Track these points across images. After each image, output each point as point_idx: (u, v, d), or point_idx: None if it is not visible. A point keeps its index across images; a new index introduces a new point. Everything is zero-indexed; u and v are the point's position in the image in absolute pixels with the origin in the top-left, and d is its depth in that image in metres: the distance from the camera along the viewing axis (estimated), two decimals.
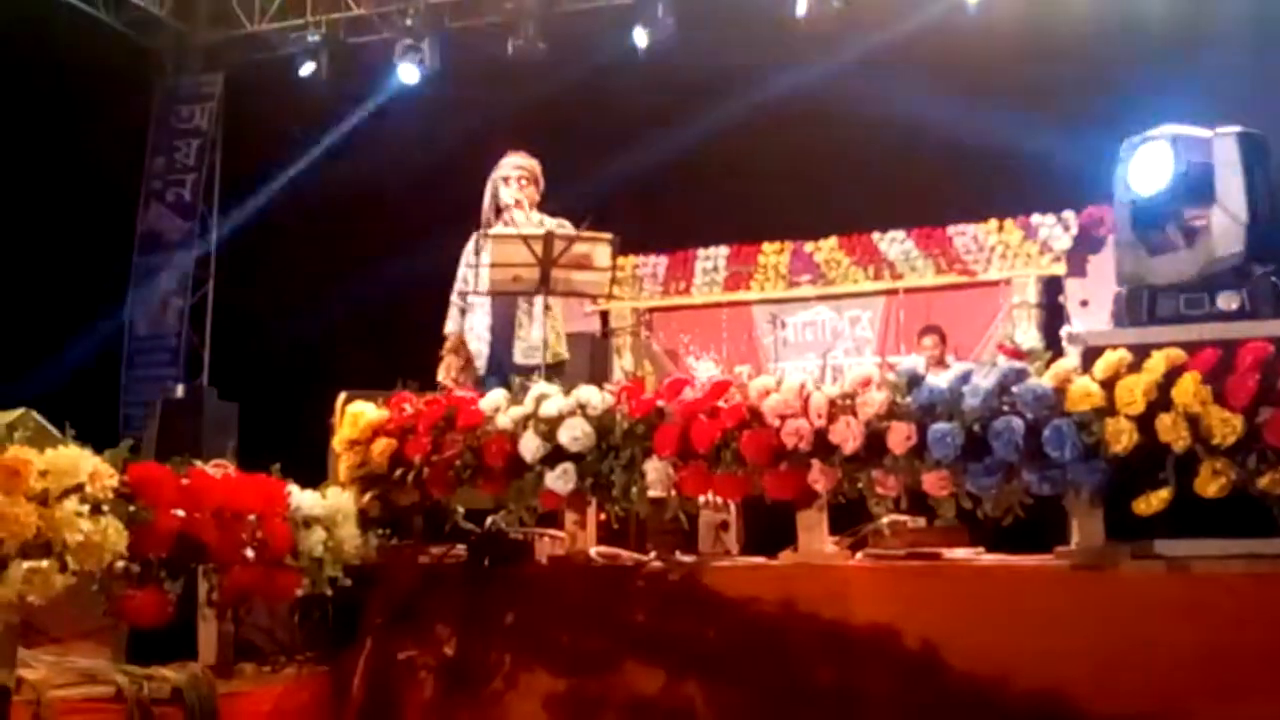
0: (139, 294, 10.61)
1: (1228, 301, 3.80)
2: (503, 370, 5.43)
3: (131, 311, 10.55)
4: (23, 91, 8.57)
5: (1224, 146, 3.88)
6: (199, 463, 3.70)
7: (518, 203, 5.60)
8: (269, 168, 10.00)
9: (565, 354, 5.72)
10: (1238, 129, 3.88)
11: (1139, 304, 3.92)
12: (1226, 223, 3.82)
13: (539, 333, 5.44)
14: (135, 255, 10.70)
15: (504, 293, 5.39)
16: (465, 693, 4.07)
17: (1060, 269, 9.05)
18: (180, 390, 5.41)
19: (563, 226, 5.54)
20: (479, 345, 5.60)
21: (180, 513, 3.42)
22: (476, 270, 5.44)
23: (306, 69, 9.87)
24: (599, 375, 8.68)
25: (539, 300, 5.40)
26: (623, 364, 9.60)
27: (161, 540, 3.33)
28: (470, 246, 5.66)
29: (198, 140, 10.91)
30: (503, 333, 5.57)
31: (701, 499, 4.20)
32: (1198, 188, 3.91)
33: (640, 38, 9.02)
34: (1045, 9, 8.14)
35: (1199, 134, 3.94)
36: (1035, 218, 9.12)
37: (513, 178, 5.64)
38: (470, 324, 5.66)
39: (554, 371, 5.32)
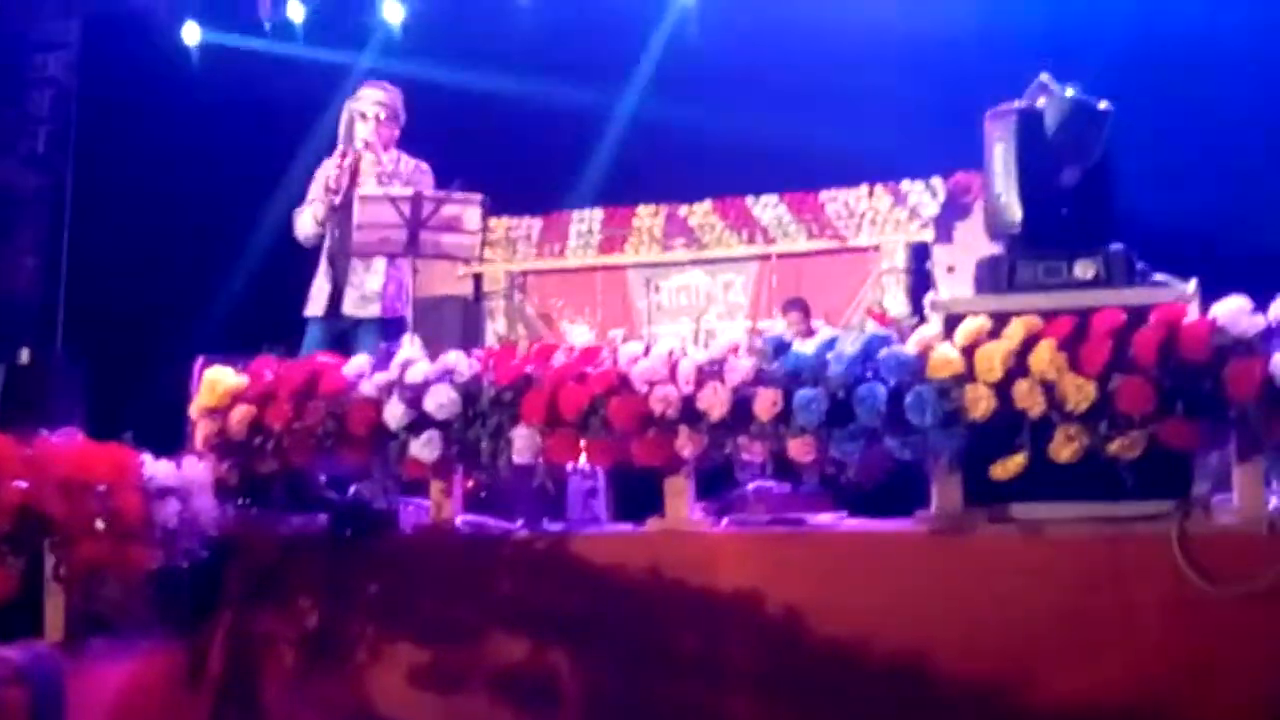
0: None
1: (1084, 270, 3.88)
2: (332, 317, 5.26)
3: None
4: None
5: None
6: (45, 431, 3.55)
7: (368, 145, 5.32)
8: (128, 121, 9.61)
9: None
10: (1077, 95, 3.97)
11: (999, 271, 3.99)
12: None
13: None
14: None
15: (371, 254, 5.26)
16: (328, 665, 4.00)
17: (928, 235, 9.17)
18: (26, 354, 5.15)
19: (421, 170, 5.40)
20: (319, 279, 5.35)
21: (24, 484, 3.28)
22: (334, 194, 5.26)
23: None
24: (471, 339, 8.59)
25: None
26: (496, 328, 9.48)
27: (4, 513, 3.19)
28: (319, 172, 5.42)
29: (51, 90, 10.45)
30: (340, 274, 5.32)
31: (570, 466, 4.17)
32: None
33: None
34: None
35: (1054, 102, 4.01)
36: (905, 184, 9.22)
37: (370, 114, 5.37)
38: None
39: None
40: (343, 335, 5.23)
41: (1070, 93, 3.96)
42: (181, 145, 8.66)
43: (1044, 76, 4.01)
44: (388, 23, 9.12)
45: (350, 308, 5.26)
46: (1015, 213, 3.93)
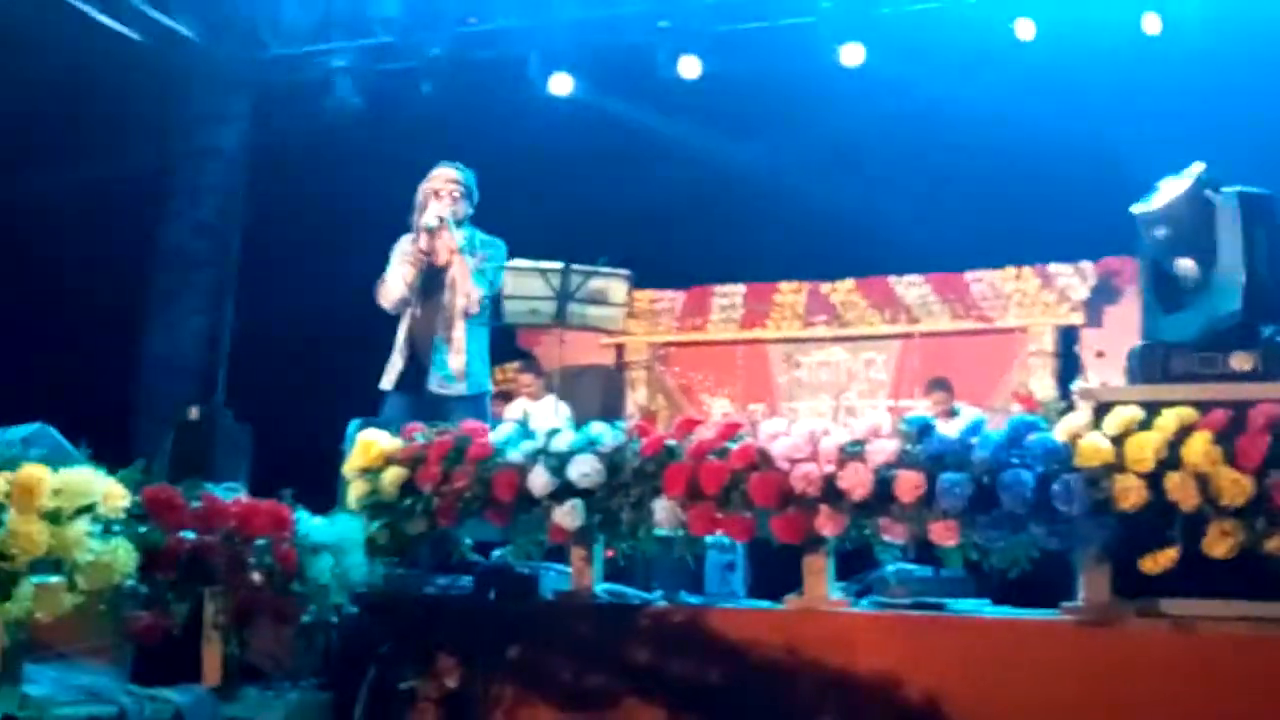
0: (156, 312, 10.66)
1: (1240, 362, 3.81)
2: (415, 393, 5.23)
3: (149, 330, 10.60)
4: (42, 106, 8.64)
5: (1224, 206, 3.90)
6: (210, 485, 3.73)
7: (440, 220, 5.28)
8: (294, 191, 10.05)
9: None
10: (1238, 188, 3.91)
11: (1153, 360, 3.93)
12: (1225, 282, 3.84)
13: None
14: (155, 273, 10.75)
15: (521, 325, 5.40)
16: None
17: (1077, 319, 9.03)
18: (195, 411, 5.42)
19: (492, 244, 5.42)
20: (395, 356, 5.33)
21: (190, 535, 3.45)
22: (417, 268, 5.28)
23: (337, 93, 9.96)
24: (612, 408, 8.71)
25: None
26: (636, 398, 9.60)
27: (171, 562, 3.36)
28: (397, 247, 5.45)
29: (222, 160, 10.99)
30: (421, 353, 5.29)
31: (709, 539, 4.20)
32: (1204, 247, 3.94)
33: (687, 68, 8.95)
34: (1072, 59, 8.16)
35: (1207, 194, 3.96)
36: (1053, 266, 9.11)
37: (444, 191, 5.39)
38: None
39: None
40: (424, 411, 5.09)
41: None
42: (345, 215, 9.01)
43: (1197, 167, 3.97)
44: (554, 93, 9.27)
45: (435, 386, 5.24)
46: None
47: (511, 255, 5.59)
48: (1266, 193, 3.98)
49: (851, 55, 8.49)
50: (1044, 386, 8.66)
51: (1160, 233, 4.00)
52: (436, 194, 5.39)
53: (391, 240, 5.52)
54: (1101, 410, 3.71)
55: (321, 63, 10.36)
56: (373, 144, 9.67)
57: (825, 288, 9.58)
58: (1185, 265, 3.94)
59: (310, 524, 3.95)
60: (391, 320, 5.41)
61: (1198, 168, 3.98)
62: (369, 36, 10.18)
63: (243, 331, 10.27)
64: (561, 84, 9.05)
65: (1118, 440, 3.58)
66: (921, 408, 7.84)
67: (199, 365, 10.48)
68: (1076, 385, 3.97)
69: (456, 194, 5.42)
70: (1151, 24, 7.94)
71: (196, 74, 11.01)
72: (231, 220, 10.97)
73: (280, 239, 9.89)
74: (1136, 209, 4.10)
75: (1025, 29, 8.25)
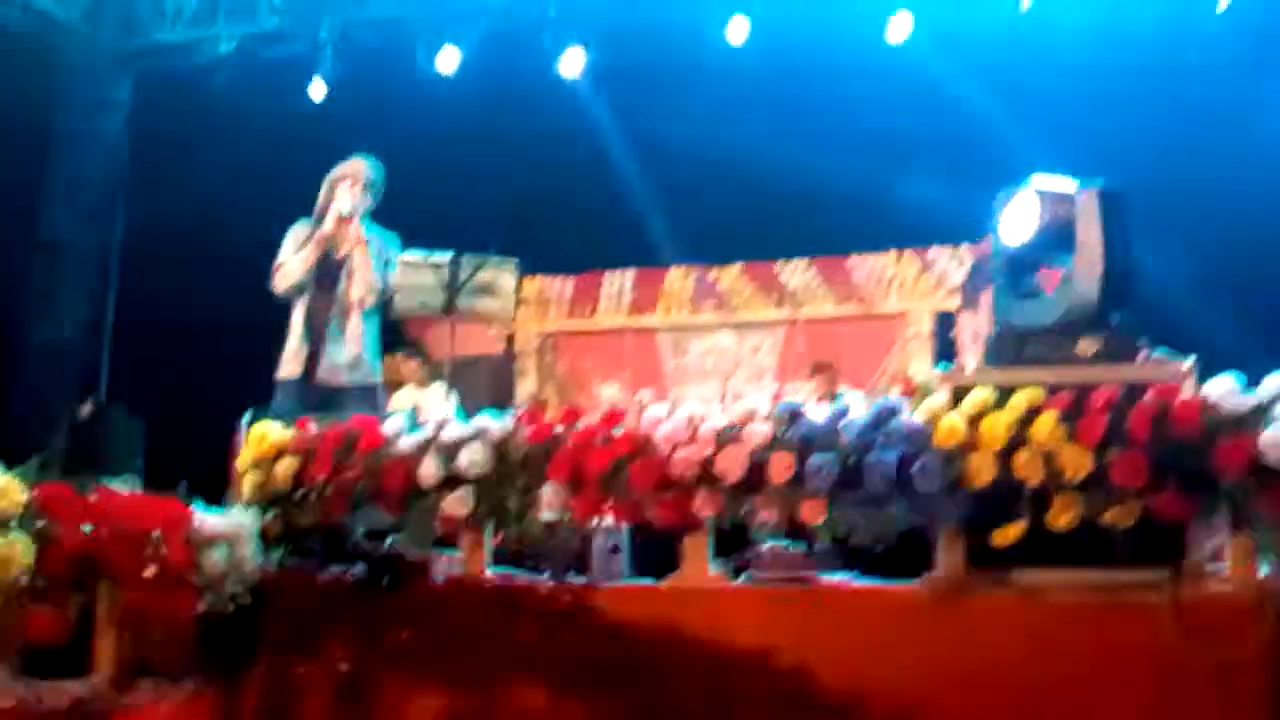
0: (37, 303, 10.45)
1: (1087, 347, 4.07)
2: (309, 382, 5.29)
3: (30, 321, 10.40)
4: None
5: (1085, 201, 4.17)
6: (104, 481, 3.79)
7: (350, 211, 5.39)
8: (178, 178, 9.94)
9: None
10: (1098, 186, 4.18)
11: (1007, 346, 4.19)
12: (1084, 273, 4.11)
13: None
14: (35, 263, 10.53)
15: (410, 318, 5.50)
16: (360, 712, 4.19)
17: (954, 303, 9.32)
18: (88, 407, 5.42)
19: (385, 238, 5.48)
20: (290, 343, 5.38)
21: (84, 531, 3.51)
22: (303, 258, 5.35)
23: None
24: (502, 398, 8.81)
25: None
26: (526, 386, 9.69)
27: (67, 557, 3.42)
28: (291, 233, 5.49)
29: (103, 148, 10.80)
30: (315, 343, 5.34)
31: (594, 523, 4.36)
32: (1061, 239, 4.21)
33: (565, 66, 9.11)
34: (953, 56, 8.45)
35: (1064, 188, 4.23)
36: (932, 251, 9.37)
37: (354, 181, 5.45)
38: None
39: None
40: (317, 400, 5.19)
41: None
42: (231, 202, 8.95)
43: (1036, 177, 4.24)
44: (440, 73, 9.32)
45: (326, 375, 5.30)
46: None
47: (401, 247, 5.68)
48: (1119, 189, 4.26)
49: (737, 33, 8.67)
50: (923, 370, 8.93)
51: (1026, 223, 4.24)
52: (350, 184, 5.44)
53: (278, 228, 5.55)
54: (960, 394, 3.96)
55: (206, 48, 10.26)
56: (258, 130, 9.62)
57: (713, 273, 9.75)
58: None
59: (205, 516, 4.04)
60: (280, 309, 5.44)
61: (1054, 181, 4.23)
62: (253, 23, 10.12)
63: (128, 322, 10.14)
64: (448, 61, 9.11)
65: (973, 420, 3.82)
66: (805, 391, 8.09)
67: (82, 356, 10.33)
68: (935, 370, 4.20)
69: (364, 186, 5.47)
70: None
71: (77, 60, 10.82)
72: (113, 209, 10.81)
73: (164, 228, 9.78)
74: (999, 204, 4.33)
75: (899, 27, 8.54)
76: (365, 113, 9.06)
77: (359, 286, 5.31)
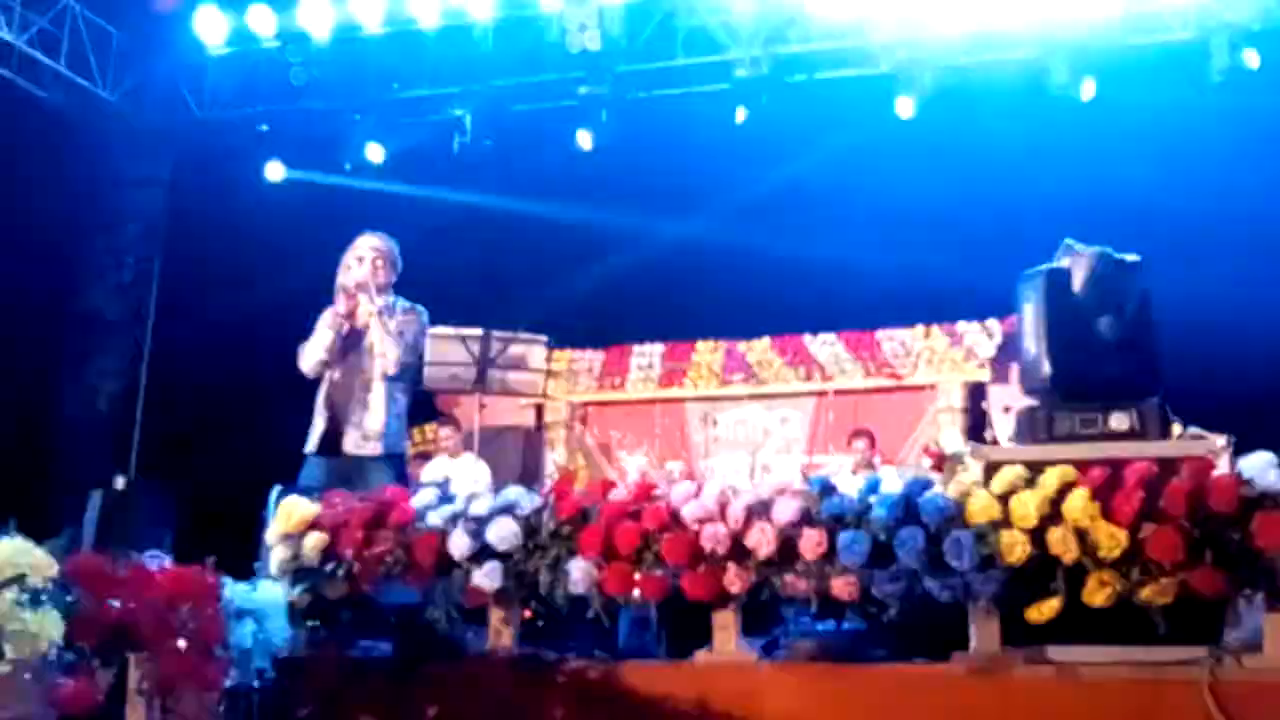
0: (69, 376, 10.55)
1: (1119, 422, 4.06)
2: (334, 455, 5.37)
3: (62, 393, 10.49)
4: None
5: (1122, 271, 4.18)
6: (136, 554, 3.81)
7: (360, 285, 5.51)
8: (212, 254, 10.07)
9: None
10: (1101, 250, 4.19)
11: (1037, 421, 4.18)
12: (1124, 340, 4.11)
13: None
14: (68, 336, 10.65)
15: (441, 390, 5.55)
16: None
17: (985, 375, 9.33)
18: (120, 482, 5.49)
19: (413, 310, 5.58)
20: (316, 419, 5.47)
21: (116, 603, 3.52)
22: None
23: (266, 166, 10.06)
24: (531, 468, 8.83)
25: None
26: (555, 457, 9.72)
27: (97, 630, 3.42)
28: (322, 317, 5.56)
29: (141, 224, 10.95)
30: (339, 415, 5.44)
31: (623, 598, 4.34)
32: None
33: (584, 140, 9.27)
34: (978, 129, 8.52)
35: (1081, 259, 4.24)
36: (961, 325, 9.41)
37: (366, 257, 5.58)
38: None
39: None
40: (342, 471, 5.30)
41: (1094, 250, 4.18)
42: (265, 279, 9.06)
43: (1069, 240, 4.25)
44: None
45: (351, 446, 5.38)
46: (1045, 368, 4.13)
47: (433, 322, 5.75)
48: (1133, 257, 4.27)
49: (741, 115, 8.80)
50: (953, 441, 8.92)
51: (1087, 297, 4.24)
52: (359, 260, 5.57)
53: (312, 306, 5.66)
54: (991, 469, 3.94)
55: (246, 127, 10.45)
56: (294, 209, 9.77)
57: (742, 346, 9.80)
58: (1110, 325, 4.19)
59: (234, 589, 4.04)
60: (309, 385, 5.53)
61: (1071, 241, 4.25)
62: (292, 101, 10.30)
63: (159, 396, 10.22)
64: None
65: (1004, 498, 3.80)
66: (842, 459, 8.12)
67: (114, 430, 10.41)
68: (969, 447, 4.19)
69: (379, 261, 5.59)
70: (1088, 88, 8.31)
71: (116, 137, 11.03)
72: (147, 283, 10.95)
73: (197, 304, 9.90)
74: (1027, 275, 4.33)
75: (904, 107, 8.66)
76: (401, 192, 9.22)
77: (377, 358, 5.40)
